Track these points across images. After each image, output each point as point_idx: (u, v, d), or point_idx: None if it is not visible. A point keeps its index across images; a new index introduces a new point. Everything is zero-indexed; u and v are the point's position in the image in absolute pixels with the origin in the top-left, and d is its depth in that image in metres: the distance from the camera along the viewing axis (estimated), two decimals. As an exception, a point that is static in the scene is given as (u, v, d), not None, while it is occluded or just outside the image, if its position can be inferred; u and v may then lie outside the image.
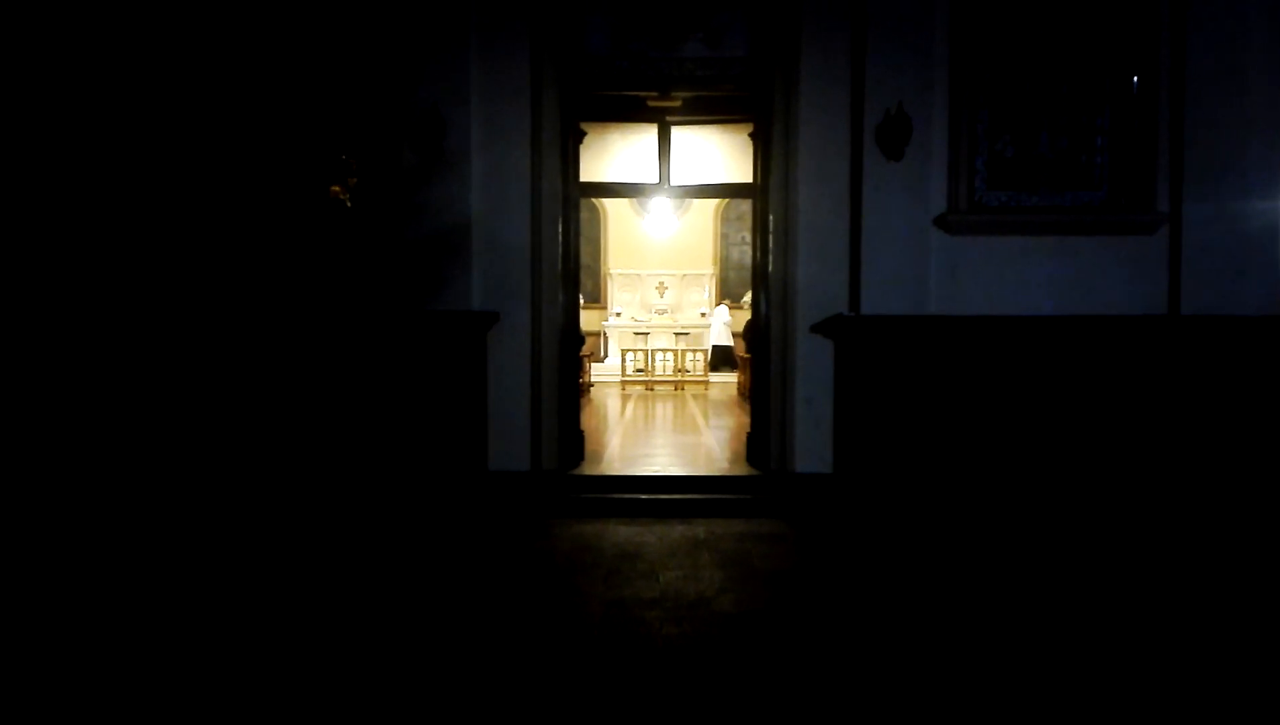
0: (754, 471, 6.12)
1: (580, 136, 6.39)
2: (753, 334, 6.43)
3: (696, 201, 17.13)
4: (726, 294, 17.04)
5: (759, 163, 6.29)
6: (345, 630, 3.59)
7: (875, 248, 5.67)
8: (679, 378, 14.45)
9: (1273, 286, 5.46)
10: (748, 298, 16.71)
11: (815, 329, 5.80)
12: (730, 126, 7.35)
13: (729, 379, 15.16)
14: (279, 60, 5.54)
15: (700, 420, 9.53)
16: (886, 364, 5.50)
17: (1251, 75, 5.39)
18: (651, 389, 14.21)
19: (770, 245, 6.04)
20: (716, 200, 17.11)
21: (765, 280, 6.15)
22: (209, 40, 5.47)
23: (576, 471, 6.14)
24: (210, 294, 5.46)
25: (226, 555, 4.64)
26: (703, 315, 16.29)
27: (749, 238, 17.69)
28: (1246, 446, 5.31)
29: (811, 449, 5.84)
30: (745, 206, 17.54)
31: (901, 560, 4.70)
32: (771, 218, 6.04)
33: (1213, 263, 5.51)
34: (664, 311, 16.29)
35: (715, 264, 17.19)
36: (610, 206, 17.02)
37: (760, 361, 6.19)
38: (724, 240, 17.40)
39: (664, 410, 10.90)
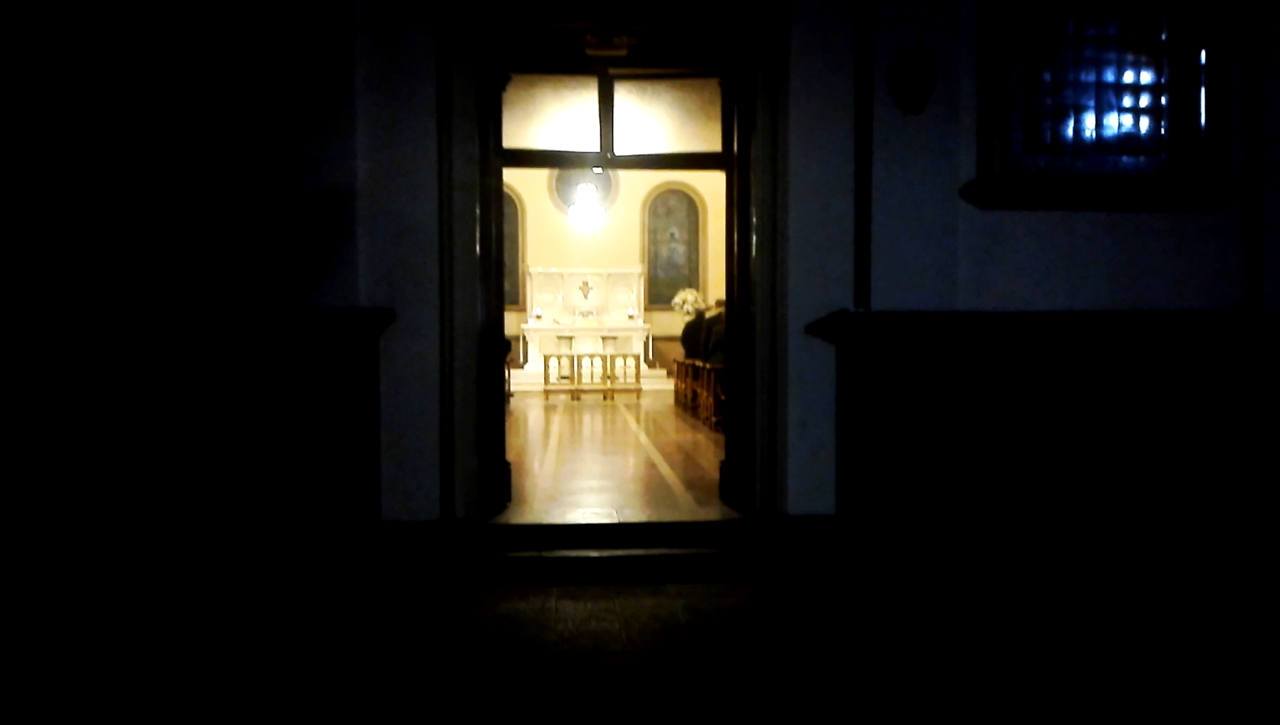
0: (732, 513, 4.78)
1: (504, 83, 4.95)
2: (729, 337, 5.10)
3: (624, 193, 15.82)
4: (655, 295, 15.77)
5: (734, 122, 4.96)
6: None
7: (888, 225, 4.39)
8: (608, 386, 13.09)
9: (1378, 274, 4.41)
10: (679, 298, 15.46)
11: (812, 330, 4.49)
12: (688, 85, 6.02)
13: (663, 387, 13.87)
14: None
15: (644, 438, 8.16)
16: (906, 374, 4.24)
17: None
18: (578, 398, 12.82)
19: (754, 223, 4.71)
20: (645, 191, 15.84)
21: (745, 269, 4.82)
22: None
23: (502, 519, 4.69)
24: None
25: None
26: (630, 317, 14.96)
27: (679, 234, 16.56)
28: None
29: (809, 484, 4.51)
30: (676, 200, 16.29)
31: (948, 636, 3.44)
32: (754, 190, 4.71)
33: (1301, 245, 4.43)
34: (589, 313, 14.89)
35: (644, 262, 15.89)
36: (529, 198, 15.56)
37: (739, 371, 4.86)
38: (652, 235, 16.13)
39: (599, 425, 9.51)
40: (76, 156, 3.92)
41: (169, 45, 3.96)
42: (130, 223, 3.96)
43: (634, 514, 4.80)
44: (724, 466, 5.06)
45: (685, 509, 4.93)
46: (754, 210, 4.71)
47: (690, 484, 5.64)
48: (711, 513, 4.82)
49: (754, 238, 4.71)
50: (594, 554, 4.30)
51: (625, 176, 15.55)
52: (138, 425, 3.79)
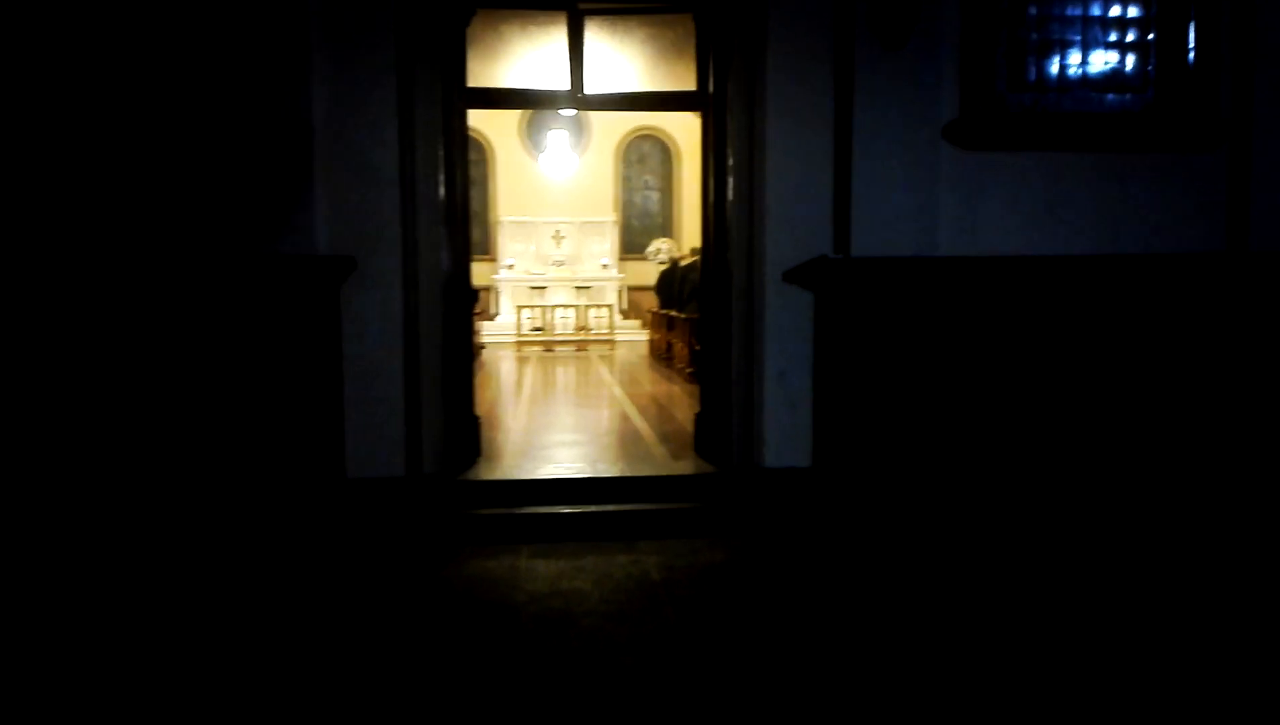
0: (708, 467, 4.67)
1: (468, 18, 4.70)
2: (704, 286, 4.94)
3: (596, 139, 15.50)
4: (629, 244, 15.53)
5: (709, 60, 4.76)
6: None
7: (869, 168, 4.23)
8: (582, 337, 12.93)
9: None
10: (653, 247, 15.23)
11: (790, 277, 4.34)
12: (661, 21, 5.76)
13: (638, 337, 13.73)
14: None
15: (618, 390, 8.03)
16: (886, 322, 4.10)
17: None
18: (551, 350, 12.65)
19: (729, 166, 4.53)
20: (618, 136, 15.53)
21: (721, 215, 4.65)
22: None
23: (471, 475, 4.55)
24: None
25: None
26: (604, 267, 14.73)
27: (653, 181, 16.27)
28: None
29: (785, 437, 4.41)
30: (649, 145, 15.98)
31: (925, 595, 3.37)
32: (730, 131, 4.52)
33: (1290, 186, 4.33)
34: (562, 263, 14.64)
35: (617, 210, 15.62)
36: (499, 144, 15.20)
37: (715, 321, 4.72)
38: (626, 183, 15.85)
39: (572, 377, 9.36)
40: (17, 93, 3.65)
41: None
42: (77, 167, 3.71)
43: (607, 468, 4.68)
44: (699, 419, 4.94)
45: (660, 463, 4.82)
46: (730, 153, 4.53)
47: (665, 437, 5.53)
48: (686, 466, 4.71)
49: (730, 181, 4.54)
50: (566, 510, 4.19)
51: (598, 121, 15.22)
52: (87, 379, 3.59)
